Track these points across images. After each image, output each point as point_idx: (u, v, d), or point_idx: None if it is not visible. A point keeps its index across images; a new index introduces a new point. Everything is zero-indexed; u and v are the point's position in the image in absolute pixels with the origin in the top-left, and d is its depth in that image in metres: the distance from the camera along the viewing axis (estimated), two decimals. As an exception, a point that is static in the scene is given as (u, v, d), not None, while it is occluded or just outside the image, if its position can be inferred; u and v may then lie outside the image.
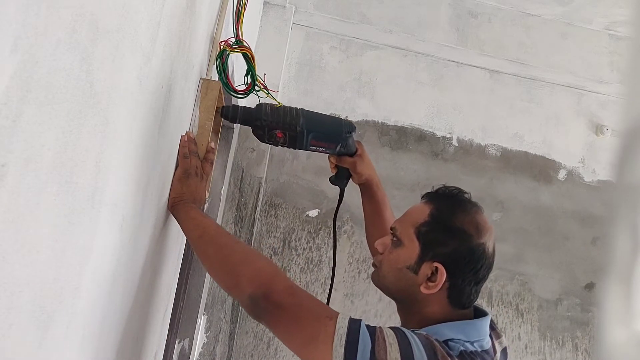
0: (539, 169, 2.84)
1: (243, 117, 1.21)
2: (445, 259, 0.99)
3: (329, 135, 1.26)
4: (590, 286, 2.77)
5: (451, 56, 2.81)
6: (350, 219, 2.64)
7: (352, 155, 1.35)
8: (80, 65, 0.53)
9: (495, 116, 2.85)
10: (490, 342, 0.99)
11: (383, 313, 2.57)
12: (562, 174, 2.85)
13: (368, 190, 1.41)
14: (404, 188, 2.69)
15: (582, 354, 2.71)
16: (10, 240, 0.45)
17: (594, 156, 2.88)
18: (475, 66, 2.85)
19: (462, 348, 0.91)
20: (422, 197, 1.09)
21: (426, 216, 1.02)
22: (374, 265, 1.12)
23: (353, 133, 1.30)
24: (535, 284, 2.74)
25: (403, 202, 2.73)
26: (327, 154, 1.35)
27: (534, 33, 2.78)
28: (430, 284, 0.99)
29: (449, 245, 0.99)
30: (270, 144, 1.24)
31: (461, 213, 1.02)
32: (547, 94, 2.89)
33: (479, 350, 0.94)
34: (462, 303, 1.01)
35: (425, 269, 0.99)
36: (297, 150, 1.27)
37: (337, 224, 2.64)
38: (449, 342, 0.91)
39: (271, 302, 0.90)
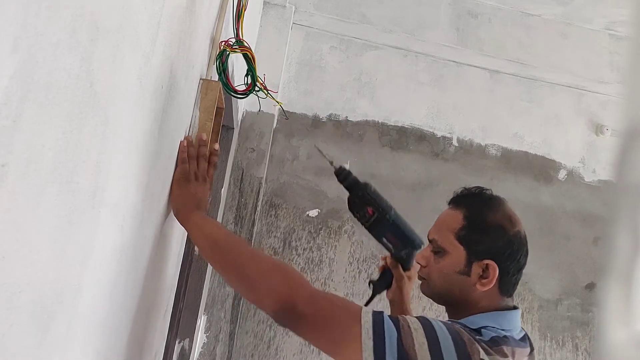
0: (539, 169, 2.84)
1: (350, 182, 1.25)
2: (492, 255, 1.04)
3: (406, 236, 1.28)
4: (590, 286, 2.77)
5: (451, 56, 2.81)
6: (350, 218, 2.63)
7: (405, 269, 1.35)
8: (80, 65, 0.53)
9: (495, 116, 2.85)
10: (523, 335, 1.03)
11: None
12: (562, 174, 2.85)
13: (396, 307, 1.37)
14: (404, 188, 2.69)
15: (582, 354, 2.71)
16: (10, 240, 0.45)
17: (594, 156, 2.88)
18: (475, 66, 2.85)
19: (493, 334, 0.95)
20: (449, 203, 1.13)
21: (461, 220, 1.07)
22: (420, 278, 1.15)
23: (420, 249, 1.29)
24: (536, 284, 2.74)
25: (403, 202, 2.73)
26: (387, 254, 1.34)
27: (534, 33, 2.78)
28: (484, 280, 1.04)
29: (491, 242, 1.05)
30: (355, 215, 1.26)
31: (492, 210, 1.07)
32: (547, 94, 2.89)
33: (501, 336, 0.97)
34: (510, 291, 1.07)
35: (476, 269, 1.04)
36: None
37: (337, 223, 2.64)
38: (482, 330, 0.96)
39: (295, 314, 0.93)
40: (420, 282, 1.14)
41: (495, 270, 1.03)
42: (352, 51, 2.80)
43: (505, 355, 0.93)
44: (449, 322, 0.95)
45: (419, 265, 1.14)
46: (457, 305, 1.07)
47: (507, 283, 1.06)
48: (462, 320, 0.99)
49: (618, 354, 0.26)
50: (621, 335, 0.26)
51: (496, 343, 0.94)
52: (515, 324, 1.03)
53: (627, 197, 0.27)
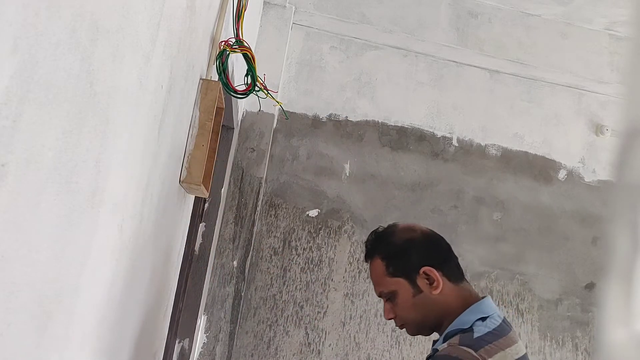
0: (539, 169, 2.84)
1: None
2: (421, 262, 1.17)
3: None
4: (590, 286, 2.77)
5: (451, 56, 2.81)
6: (350, 218, 2.64)
7: None
8: (80, 65, 0.53)
9: (495, 116, 2.85)
10: (502, 316, 1.15)
11: (383, 313, 2.57)
12: (562, 174, 2.85)
13: None
14: (404, 188, 2.69)
15: (582, 354, 2.71)
16: (10, 240, 0.45)
17: (594, 156, 2.88)
18: (475, 66, 2.85)
19: (487, 329, 1.08)
20: (365, 261, 1.27)
21: (381, 262, 1.21)
22: (400, 327, 1.25)
23: None
24: (536, 284, 2.74)
25: (403, 202, 2.73)
26: None
27: (534, 33, 2.77)
28: (434, 284, 1.16)
29: (411, 255, 1.19)
30: None
31: (393, 235, 1.23)
32: (547, 94, 2.89)
33: (493, 328, 1.10)
34: (459, 275, 1.20)
35: (422, 282, 1.17)
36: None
37: (337, 223, 2.64)
38: (474, 327, 1.09)
39: None
40: (404, 330, 1.24)
41: (432, 271, 1.16)
42: (352, 51, 2.80)
43: (509, 344, 1.07)
44: (446, 354, 1.03)
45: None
46: (438, 320, 1.17)
47: (451, 271, 1.19)
48: (452, 328, 1.11)
49: (618, 354, 0.26)
50: (621, 335, 0.26)
51: (495, 336, 1.07)
52: (493, 307, 1.15)
53: (627, 197, 0.27)
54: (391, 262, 1.20)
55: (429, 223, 2.80)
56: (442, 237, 1.24)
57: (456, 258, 1.23)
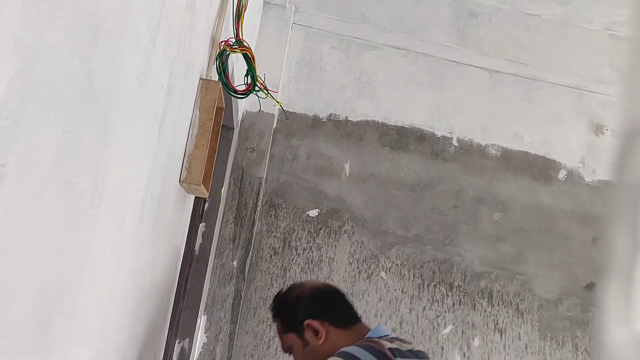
0: (539, 169, 2.83)
1: None
2: (304, 316, 1.28)
3: None
4: (590, 286, 2.77)
5: (451, 56, 2.81)
6: (350, 218, 2.63)
7: None
8: (80, 65, 0.53)
9: (495, 116, 2.85)
10: (395, 335, 1.30)
11: (383, 313, 2.57)
12: (562, 174, 2.85)
13: None
14: (404, 188, 2.69)
15: (582, 354, 2.71)
16: (10, 240, 0.45)
17: (594, 156, 2.87)
18: (475, 66, 2.85)
19: (388, 338, 1.22)
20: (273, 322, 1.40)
21: (279, 321, 1.35)
22: None
23: None
24: (536, 284, 2.74)
25: (403, 202, 2.73)
26: None
27: (534, 33, 2.78)
28: (319, 334, 1.26)
29: (297, 311, 1.30)
30: None
31: (287, 295, 1.35)
32: (547, 94, 2.89)
33: (392, 337, 1.25)
34: (349, 321, 1.30)
35: (308, 334, 1.27)
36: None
37: (337, 223, 2.64)
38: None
39: None
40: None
41: (314, 323, 1.26)
42: (352, 51, 2.80)
43: (404, 341, 1.23)
44: (364, 344, 1.16)
45: None
46: None
47: (340, 319, 1.29)
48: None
49: (618, 354, 0.26)
50: (621, 335, 0.26)
51: (394, 338, 1.23)
52: (388, 331, 1.27)
53: (627, 197, 0.27)
54: (283, 320, 1.33)
55: (429, 223, 2.79)
56: (332, 288, 1.37)
57: (347, 305, 1.33)
